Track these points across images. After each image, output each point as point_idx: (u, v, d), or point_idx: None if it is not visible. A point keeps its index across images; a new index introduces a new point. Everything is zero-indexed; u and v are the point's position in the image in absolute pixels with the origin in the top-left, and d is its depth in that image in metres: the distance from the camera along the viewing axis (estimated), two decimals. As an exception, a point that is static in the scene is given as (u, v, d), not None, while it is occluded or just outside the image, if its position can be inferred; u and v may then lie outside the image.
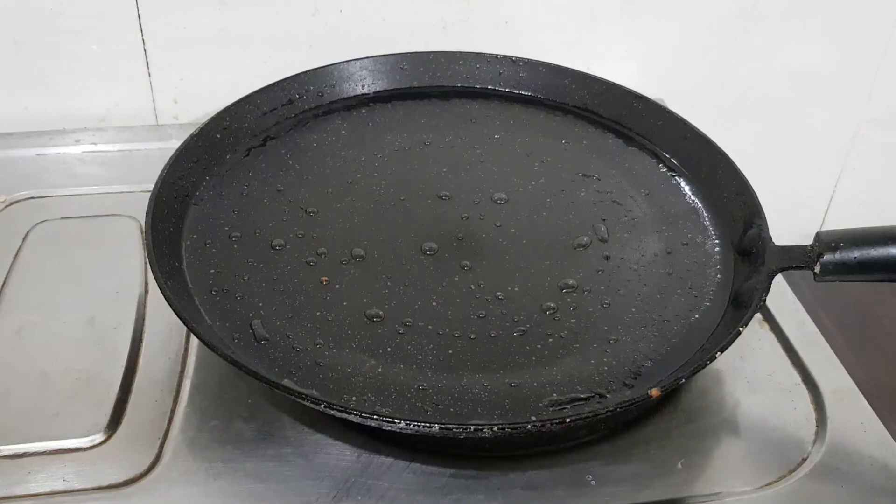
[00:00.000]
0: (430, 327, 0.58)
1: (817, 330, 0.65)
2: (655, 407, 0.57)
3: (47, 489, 0.50)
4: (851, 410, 0.58)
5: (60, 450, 0.52)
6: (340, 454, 0.53)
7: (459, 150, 0.73)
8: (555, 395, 0.53)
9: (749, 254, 0.61)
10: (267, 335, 0.56)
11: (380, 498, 0.51)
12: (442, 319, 0.58)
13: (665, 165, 0.73)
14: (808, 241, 0.59)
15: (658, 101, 0.77)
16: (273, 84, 0.74)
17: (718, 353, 0.52)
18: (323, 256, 0.62)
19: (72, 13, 0.77)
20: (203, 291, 0.59)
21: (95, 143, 0.78)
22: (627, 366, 0.56)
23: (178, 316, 0.53)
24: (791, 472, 0.54)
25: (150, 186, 0.62)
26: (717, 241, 0.65)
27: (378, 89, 0.79)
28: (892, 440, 0.56)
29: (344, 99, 0.78)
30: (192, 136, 0.68)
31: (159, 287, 0.54)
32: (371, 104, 0.78)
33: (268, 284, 0.60)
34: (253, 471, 0.52)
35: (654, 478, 0.53)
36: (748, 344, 0.63)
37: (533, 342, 0.57)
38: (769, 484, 0.53)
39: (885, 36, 0.92)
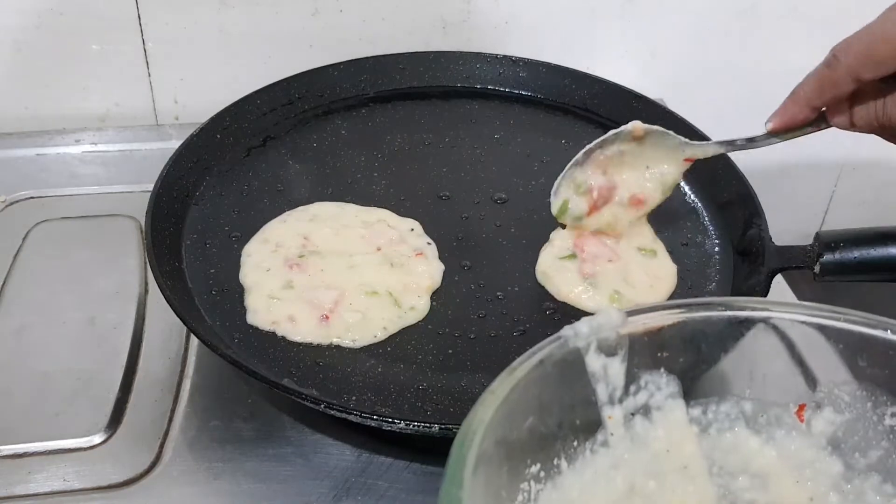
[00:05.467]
0: (429, 327, 0.58)
1: (817, 330, 0.65)
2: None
3: (47, 489, 0.50)
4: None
5: (60, 450, 0.52)
6: (340, 454, 0.53)
7: (459, 150, 0.73)
8: (555, 395, 0.53)
9: (749, 254, 0.61)
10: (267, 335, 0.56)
11: (380, 498, 0.51)
12: (442, 319, 0.58)
13: (665, 165, 0.73)
14: (808, 241, 0.59)
15: (658, 101, 0.77)
16: (273, 84, 0.74)
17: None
18: (323, 256, 0.62)
19: (72, 13, 0.77)
20: (203, 291, 0.59)
21: (95, 143, 0.78)
22: (627, 366, 0.56)
23: (178, 316, 0.53)
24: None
25: (150, 186, 0.62)
26: (717, 241, 0.65)
27: (378, 89, 0.79)
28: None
29: (344, 99, 0.77)
30: (192, 136, 0.68)
31: (159, 287, 0.54)
32: (371, 104, 0.78)
33: (268, 284, 0.60)
34: (253, 471, 0.52)
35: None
36: (748, 344, 0.63)
37: (533, 342, 0.57)
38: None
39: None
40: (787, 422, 0.41)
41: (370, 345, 0.56)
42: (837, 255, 0.57)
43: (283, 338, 0.56)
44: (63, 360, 0.58)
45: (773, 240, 0.60)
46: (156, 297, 0.60)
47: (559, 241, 0.63)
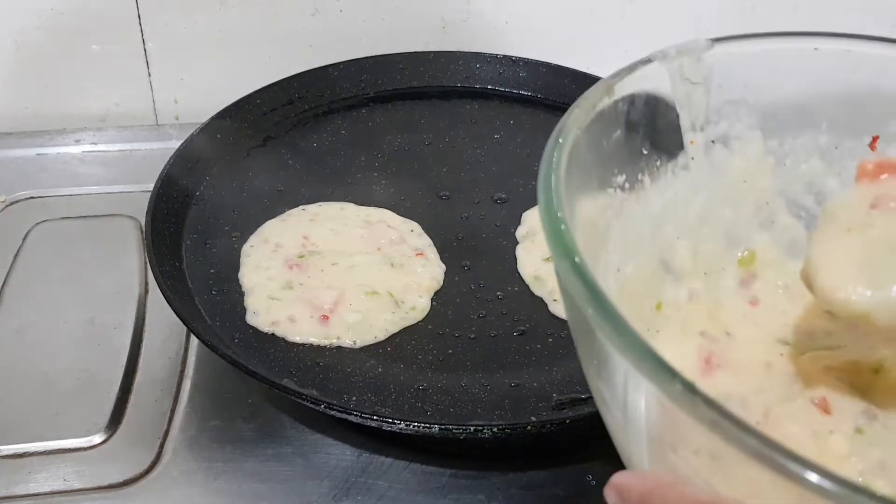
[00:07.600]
0: (430, 327, 0.58)
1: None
2: (655, 407, 0.57)
3: (47, 489, 0.50)
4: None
5: (60, 450, 0.52)
6: (340, 454, 0.53)
7: (459, 150, 0.73)
8: (555, 395, 0.53)
9: (749, 254, 0.61)
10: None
11: (380, 498, 0.51)
12: (442, 319, 0.58)
13: (665, 165, 0.73)
14: (808, 241, 0.59)
15: (658, 101, 0.77)
16: (273, 84, 0.74)
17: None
18: (323, 256, 0.62)
19: (72, 13, 0.78)
20: (203, 291, 0.59)
21: (95, 143, 0.78)
22: (627, 366, 0.56)
23: (178, 316, 0.53)
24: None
25: (150, 186, 0.62)
26: (717, 241, 0.65)
27: (378, 89, 0.79)
28: None
29: (344, 99, 0.77)
30: (192, 136, 0.68)
31: (159, 287, 0.54)
32: (371, 104, 0.78)
33: (268, 284, 0.60)
34: (253, 471, 0.52)
35: (654, 478, 0.53)
36: (748, 344, 0.63)
37: (533, 342, 0.57)
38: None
39: (884, 36, 0.92)
40: (860, 152, 0.41)
41: (370, 345, 0.56)
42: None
43: (283, 338, 0.56)
44: (63, 360, 0.58)
45: (773, 240, 0.60)
46: (156, 297, 0.60)
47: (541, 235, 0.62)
